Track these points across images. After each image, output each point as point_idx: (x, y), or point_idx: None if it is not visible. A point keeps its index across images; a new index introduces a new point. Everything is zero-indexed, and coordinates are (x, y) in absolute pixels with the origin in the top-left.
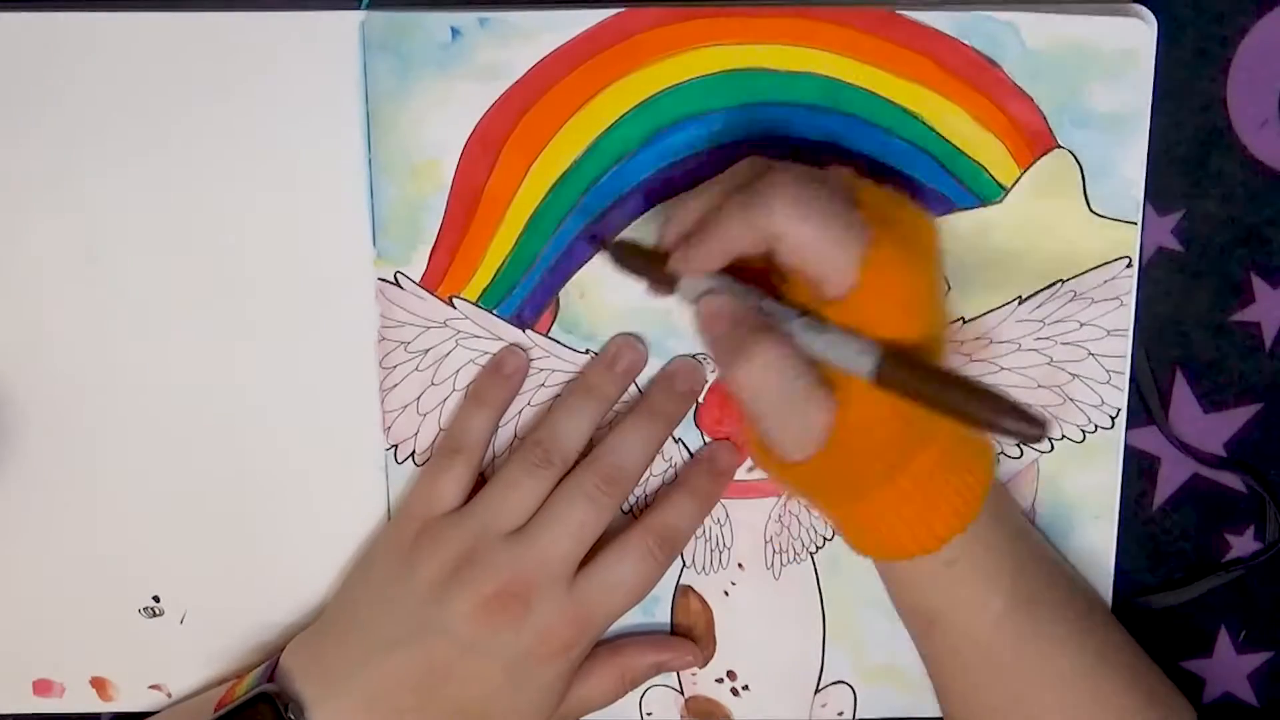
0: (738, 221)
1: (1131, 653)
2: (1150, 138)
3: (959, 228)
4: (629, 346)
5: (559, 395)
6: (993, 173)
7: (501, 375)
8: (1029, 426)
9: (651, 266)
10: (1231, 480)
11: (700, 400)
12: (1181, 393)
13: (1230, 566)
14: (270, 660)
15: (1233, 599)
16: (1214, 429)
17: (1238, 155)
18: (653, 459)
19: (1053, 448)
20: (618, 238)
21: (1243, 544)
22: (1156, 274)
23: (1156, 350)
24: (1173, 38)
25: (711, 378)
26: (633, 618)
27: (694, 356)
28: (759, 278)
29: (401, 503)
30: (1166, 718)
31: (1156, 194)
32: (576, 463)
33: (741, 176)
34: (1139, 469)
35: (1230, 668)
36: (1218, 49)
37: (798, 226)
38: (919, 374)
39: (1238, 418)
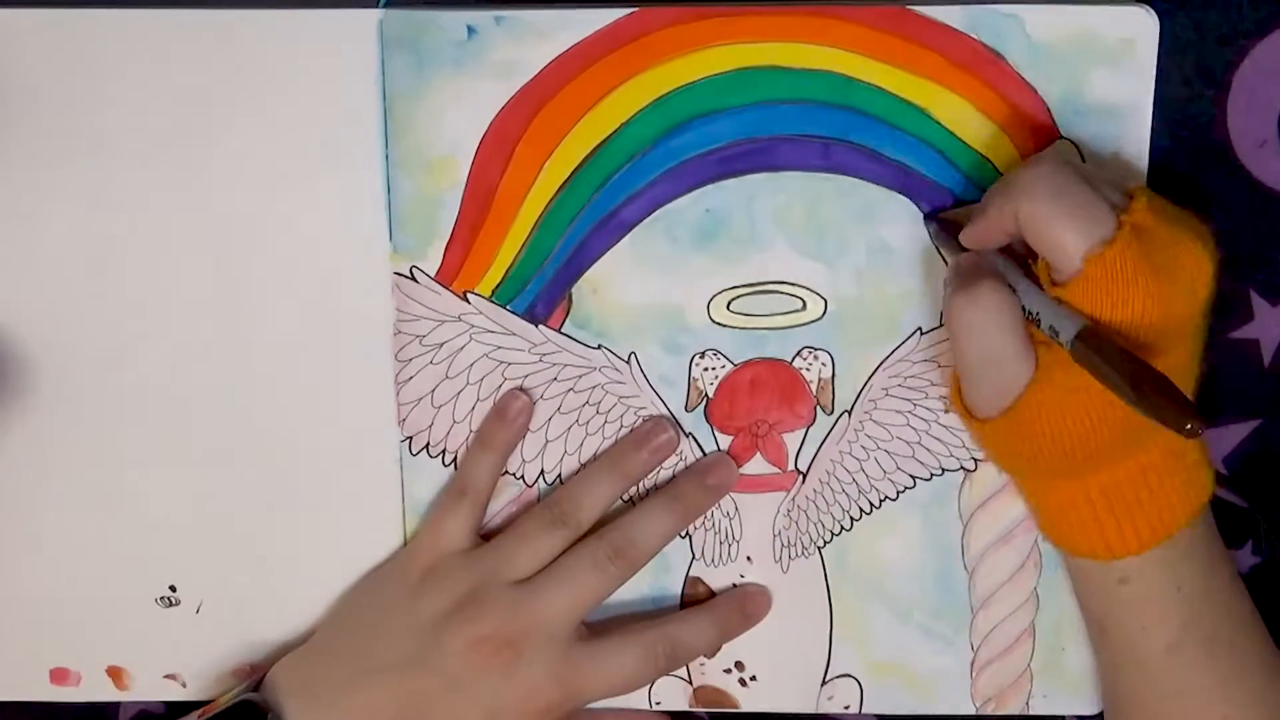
0: (993, 197)
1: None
2: (1150, 155)
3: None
4: (661, 428)
5: (588, 462)
6: (997, 165)
7: (506, 420)
8: (1183, 425)
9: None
10: (1230, 495)
11: (710, 395)
12: None
13: None
14: (258, 674)
15: None
16: (1213, 445)
17: (1237, 174)
18: (668, 543)
19: None
20: (941, 214)
21: (1241, 558)
22: None
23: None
24: (1174, 58)
25: (723, 375)
26: (643, 610)
27: (704, 355)
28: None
29: (410, 539)
30: None
31: None
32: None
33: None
34: None
35: None
36: (1218, 69)
37: (1033, 205)
38: (1113, 357)
39: (1236, 434)
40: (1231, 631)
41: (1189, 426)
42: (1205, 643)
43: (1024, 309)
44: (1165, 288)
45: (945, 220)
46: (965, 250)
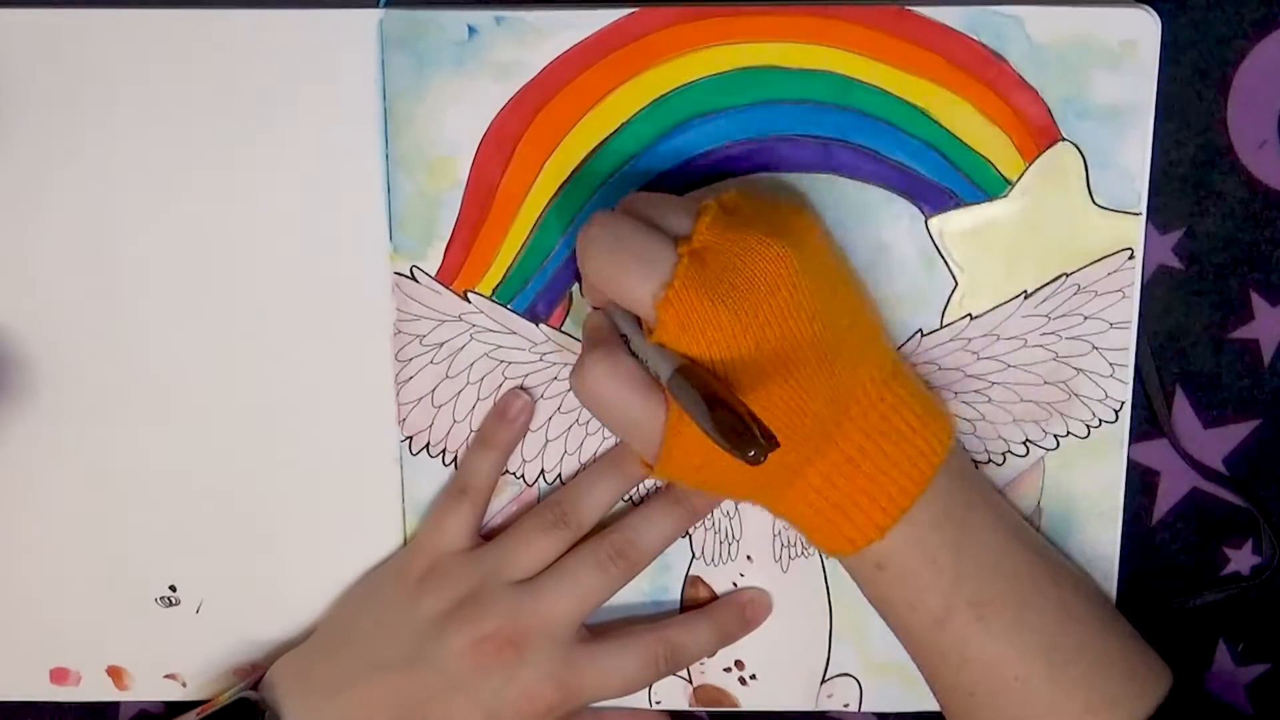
0: (579, 264)
1: (1098, 648)
2: (1151, 156)
3: (965, 223)
4: None
5: (590, 462)
6: (998, 167)
7: (506, 419)
8: (745, 452)
9: None
10: (1230, 495)
11: None
12: (1181, 408)
13: (1229, 580)
14: (257, 673)
15: (1231, 612)
16: (1213, 444)
17: (1238, 175)
18: (669, 545)
19: (1058, 445)
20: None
21: (1241, 558)
22: (1157, 291)
23: (1157, 366)
24: (1174, 58)
25: None
26: (643, 610)
27: None
28: None
29: (411, 538)
30: (1135, 705)
31: (1157, 212)
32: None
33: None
34: (1140, 483)
35: (1229, 680)
36: (1218, 69)
37: (593, 268)
38: (699, 392)
39: (1237, 433)
40: (1003, 588)
41: (751, 454)
42: (975, 607)
43: (640, 355)
44: (741, 301)
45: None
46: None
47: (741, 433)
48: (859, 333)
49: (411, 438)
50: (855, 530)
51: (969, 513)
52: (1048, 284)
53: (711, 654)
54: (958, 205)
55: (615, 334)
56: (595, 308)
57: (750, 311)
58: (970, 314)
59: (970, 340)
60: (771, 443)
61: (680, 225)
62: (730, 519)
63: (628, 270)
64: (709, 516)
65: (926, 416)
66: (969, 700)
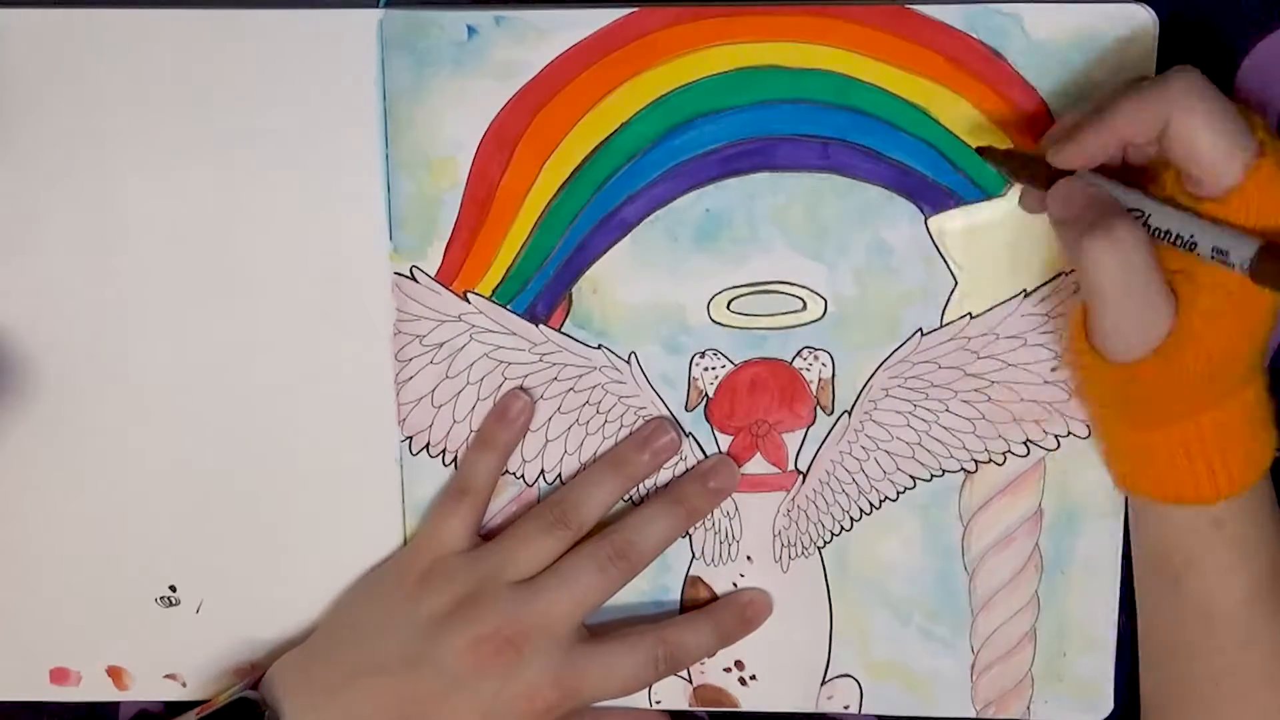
0: (1133, 105)
1: None
2: None
3: (965, 222)
4: (663, 430)
5: (590, 462)
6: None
7: (506, 420)
8: None
9: (1032, 166)
10: None
11: (710, 395)
12: None
13: None
14: (257, 672)
15: None
16: None
17: None
18: (669, 546)
19: (1059, 445)
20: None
21: None
22: None
23: None
24: (1174, 58)
25: (723, 375)
26: (643, 610)
27: (704, 355)
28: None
29: (411, 538)
30: None
31: None
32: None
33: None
34: None
35: None
36: (1219, 70)
37: (1192, 114)
38: None
39: None
40: None
41: None
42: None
43: (1156, 234)
44: None
45: (1005, 151)
46: (1047, 172)
47: None
48: None
49: (411, 438)
50: (1226, 479)
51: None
52: (1047, 283)
53: (711, 654)
54: (957, 204)
55: (1123, 207)
56: (1016, 175)
57: None
58: (970, 313)
59: (970, 339)
60: None
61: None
62: (730, 519)
63: (1230, 130)
64: (709, 516)
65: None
66: (1223, 681)
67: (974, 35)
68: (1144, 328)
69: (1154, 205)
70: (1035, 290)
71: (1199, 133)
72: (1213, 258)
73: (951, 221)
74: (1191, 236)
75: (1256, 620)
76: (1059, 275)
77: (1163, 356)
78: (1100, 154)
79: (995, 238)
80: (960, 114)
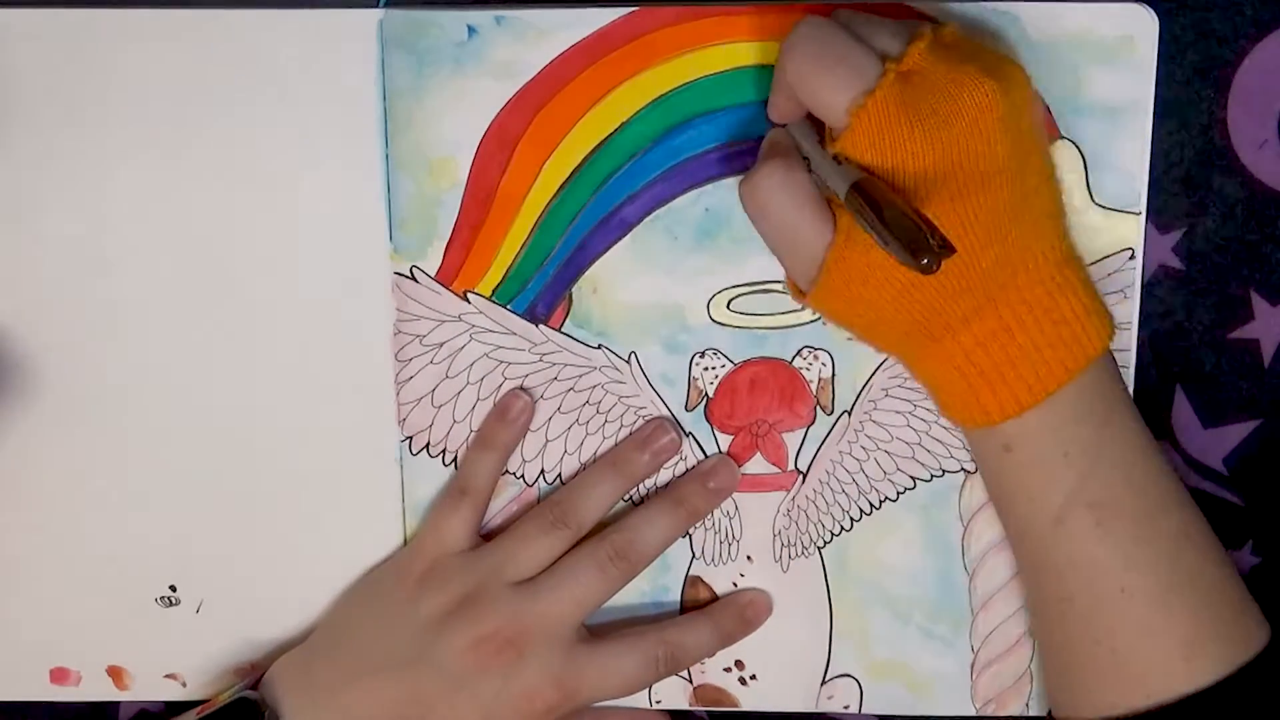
0: (776, 68)
1: (1209, 582)
2: (1151, 156)
3: None
4: (664, 431)
5: (590, 462)
6: None
7: (507, 420)
8: (919, 260)
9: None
10: (1230, 495)
11: (710, 395)
12: (1181, 408)
13: None
14: (257, 672)
15: None
16: (1213, 444)
17: (1238, 175)
18: (669, 546)
19: None
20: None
21: (1241, 558)
22: (1157, 291)
23: (1157, 366)
24: (1174, 58)
25: (723, 374)
26: (643, 610)
27: (704, 354)
28: None
29: (412, 538)
30: (1232, 650)
31: (1158, 212)
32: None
33: None
34: None
35: None
36: (1218, 70)
37: (794, 65)
38: (876, 204)
39: (1236, 434)
40: (1128, 498)
41: (924, 262)
42: (1094, 509)
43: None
44: (940, 130)
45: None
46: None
47: (916, 239)
48: (1042, 204)
49: (411, 438)
50: (996, 403)
51: (1110, 415)
52: None
53: (711, 655)
54: None
55: (794, 151)
56: (777, 125)
57: (946, 142)
58: None
59: None
60: (946, 249)
61: (892, 46)
62: (730, 519)
63: (831, 72)
64: (709, 516)
65: (1092, 307)
66: (1064, 607)
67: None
68: (803, 262)
69: (809, 146)
70: None
71: (800, 84)
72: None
73: None
74: (825, 179)
75: (1068, 540)
76: None
77: (824, 289)
78: (784, 114)
79: None
80: None
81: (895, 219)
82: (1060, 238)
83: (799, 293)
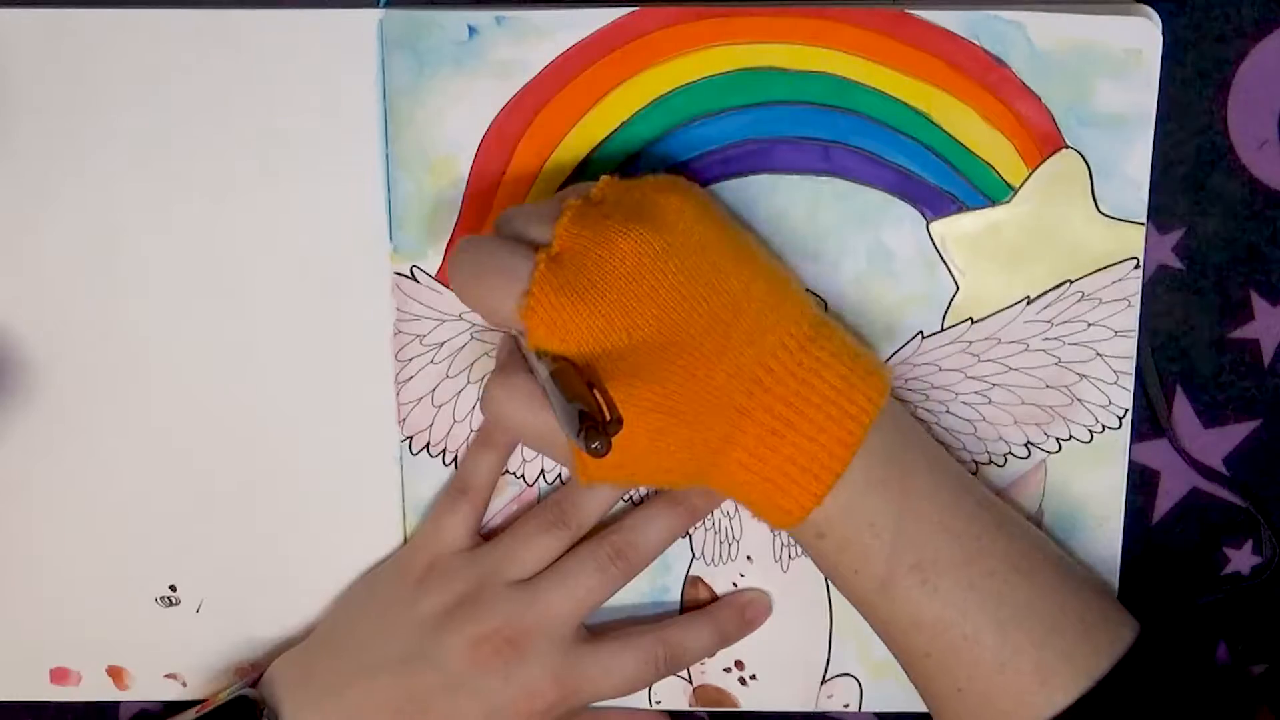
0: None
1: (1049, 604)
2: (1153, 155)
3: (967, 227)
4: None
5: None
6: (1001, 172)
7: None
8: (586, 443)
9: None
10: (1230, 495)
11: None
12: (1181, 408)
13: (1229, 580)
14: (256, 672)
15: (1231, 612)
16: (1213, 444)
17: (1238, 175)
18: (669, 546)
19: (1060, 448)
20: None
21: (1241, 558)
22: (1157, 291)
23: (1157, 366)
24: (1174, 58)
25: None
26: (643, 610)
27: None
28: None
29: (411, 537)
30: (1090, 662)
31: (1158, 212)
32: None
33: None
34: (1139, 483)
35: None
36: (1218, 70)
37: (459, 292)
38: (564, 390)
39: (1237, 434)
40: (947, 547)
41: (594, 446)
42: (918, 571)
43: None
44: (603, 297)
45: None
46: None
47: (592, 425)
48: (759, 300)
49: (411, 438)
50: (791, 501)
51: (908, 472)
52: (1050, 290)
53: (711, 655)
54: (959, 210)
55: (517, 355)
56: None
57: (612, 303)
58: (971, 318)
59: (971, 343)
60: (613, 425)
61: (543, 233)
62: (730, 519)
63: (491, 288)
64: (709, 516)
65: (853, 376)
66: (925, 662)
67: (976, 42)
68: (557, 454)
69: (520, 349)
70: (1039, 297)
71: (468, 304)
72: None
73: (954, 226)
74: (537, 373)
75: (899, 605)
76: (1063, 283)
77: (581, 468)
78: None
79: (998, 244)
80: (963, 119)
81: (583, 403)
82: (799, 318)
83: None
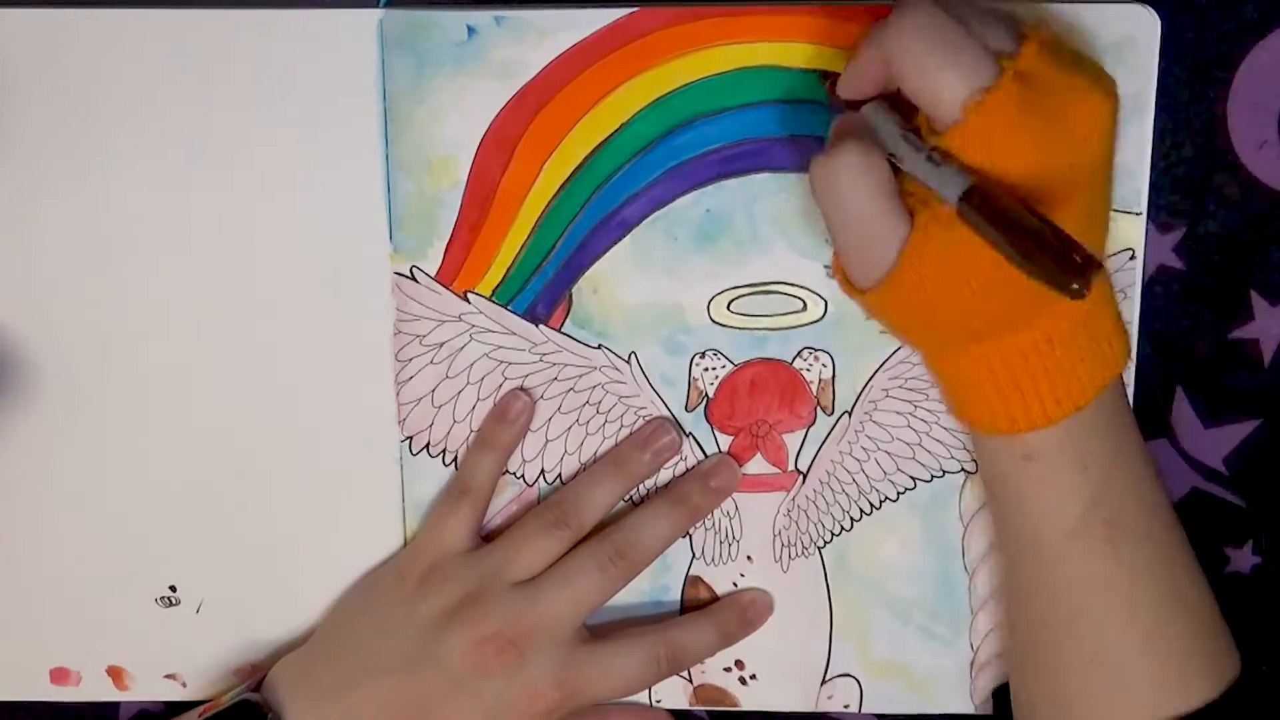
0: (867, 44)
1: (1200, 603)
2: (1151, 156)
3: None
4: (664, 431)
5: (590, 463)
6: None
7: (506, 420)
8: (1066, 284)
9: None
10: (1230, 495)
11: (711, 395)
12: (1181, 408)
13: (1229, 580)
14: (259, 674)
15: (1231, 612)
16: (1213, 444)
17: (1238, 175)
18: (670, 545)
19: None
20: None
21: (1241, 558)
22: (1157, 291)
23: (1157, 366)
24: (1174, 58)
25: (724, 375)
26: (643, 610)
27: (704, 355)
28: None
29: (411, 539)
30: (1221, 670)
31: (1157, 212)
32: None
33: None
34: None
35: None
36: (1218, 70)
37: (903, 52)
38: (1001, 212)
39: (1236, 433)
40: (1137, 517)
41: (1074, 286)
42: (1108, 526)
43: (898, 165)
44: (1054, 137)
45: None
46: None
47: (1060, 258)
48: (1105, 216)
49: (411, 438)
50: (1024, 412)
51: (1124, 432)
52: None
53: (713, 654)
54: None
55: (870, 136)
56: (843, 107)
57: (1060, 149)
58: None
59: None
60: (1091, 265)
61: (1004, 44)
62: (730, 519)
63: (949, 66)
64: (709, 517)
65: (1119, 325)
66: (1072, 623)
67: None
68: (869, 255)
69: (895, 136)
70: None
71: (909, 73)
72: (937, 193)
73: None
74: (913, 170)
75: (1080, 556)
76: None
77: (890, 288)
78: (860, 90)
79: None
80: None
81: (1019, 232)
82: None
83: (850, 285)
